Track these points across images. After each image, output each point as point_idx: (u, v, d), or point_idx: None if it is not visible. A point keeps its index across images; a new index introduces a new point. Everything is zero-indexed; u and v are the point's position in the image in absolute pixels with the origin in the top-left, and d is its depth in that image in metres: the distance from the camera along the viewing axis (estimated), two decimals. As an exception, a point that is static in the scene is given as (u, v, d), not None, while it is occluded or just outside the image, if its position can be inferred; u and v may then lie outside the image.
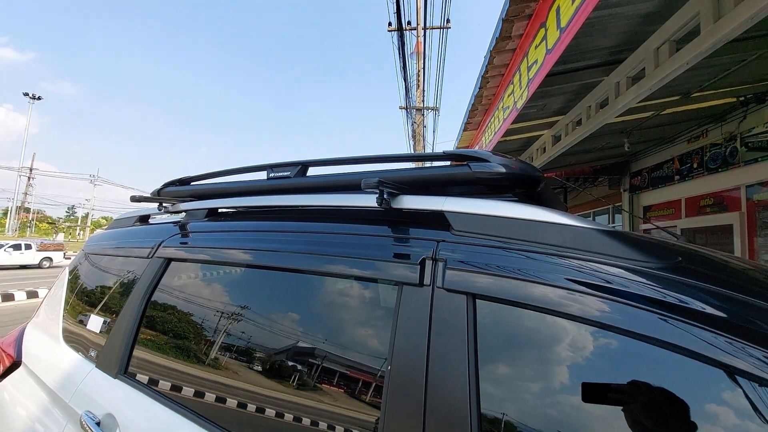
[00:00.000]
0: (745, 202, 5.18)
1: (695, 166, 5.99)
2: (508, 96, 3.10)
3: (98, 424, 1.09)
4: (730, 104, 4.84)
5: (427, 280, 0.80)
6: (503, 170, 0.94)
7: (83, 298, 1.61)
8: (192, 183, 1.65)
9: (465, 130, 4.92)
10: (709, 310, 0.60)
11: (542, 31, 2.27)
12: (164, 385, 1.13)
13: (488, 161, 0.96)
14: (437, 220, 0.91)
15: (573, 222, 0.79)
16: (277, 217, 1.29)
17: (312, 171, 1.40)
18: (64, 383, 1.31)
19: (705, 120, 5.46)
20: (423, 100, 15.29)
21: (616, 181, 8.01)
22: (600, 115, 3.41)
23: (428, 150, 15.86)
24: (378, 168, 1.16)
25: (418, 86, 15.76)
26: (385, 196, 0.93)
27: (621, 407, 0.60)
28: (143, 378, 1.18)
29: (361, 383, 0.85)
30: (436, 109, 15.04)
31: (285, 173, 1.36)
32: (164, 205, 1.62)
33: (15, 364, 1.51)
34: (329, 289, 1.01)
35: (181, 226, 1.45)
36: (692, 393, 0.57)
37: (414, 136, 15.78)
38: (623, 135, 5.57)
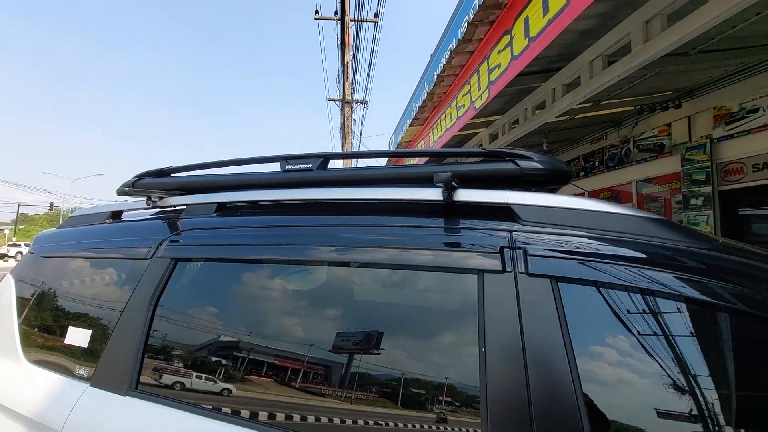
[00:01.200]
0: (636, 195, 6.16)
1: (597, 164, 6.93)
2: (464, 95, 3.32)
3: None
4: (628, 112, 5.70)
5: (509, 266, 0.88)
6: (547, 167, 1.06)
7: (49, 309, 1.38)
8: (172, 175, 1.52)
9: (411, 125, 5.10)
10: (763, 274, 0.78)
11: (507, 37, 2.49)
12: (190, 395, 1.05)
13: (532, 158, 1.07)
14: (503, 212, 1.00)
15: (627, 211, 0.94)
16: (310, 211, 1.26)
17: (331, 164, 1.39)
18: (46, 409, 1.13)
19: (606, 125, 6.35)
20: (352, 93, 15.27)
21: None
22: (536, 117, 3.82)
23: (355, 143, 15.89)
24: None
25: (347, 78, 15.67)
26: (450, 189, 0.99)
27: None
28: (161, 391, 1.08)
29: (448, 366, 0.91)
30: (365, 103, 15.14)
31: (306, 165, 1.33)
32: (153, 199, 1.45)
33: None
34: (386, 281, 1.04)
35: (188, 222, 1.32)
36: None
37: (343, 129, 15.70)
38: (542, 135, 6.23)
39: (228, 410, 0.99)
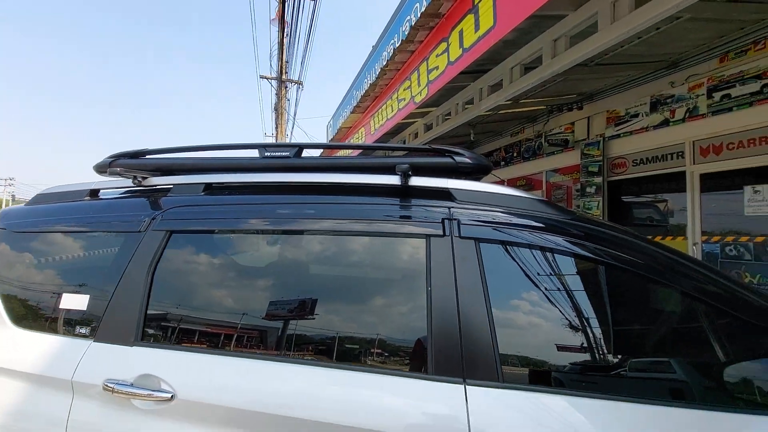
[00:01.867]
0: (545, 183, 7.08)
1: (515, 155, 7.79)
2: (405, 90, 3.68)
3: (131, 385, 1.20)
4: (541, 110, 6.51)
5: (447, 232, 1.25)
6: (474, 162, 1.45)
7: (35, 279, 1.49)
8: (147, 156, 1.67)
9: (353, 112, 5.36)
10: (611, 231, 1.25)
11: (444, 45, 2.87)
12: (189, 340, 1.30)
13: (464, 155, 1.46)
14: (444, 194, 1.36)
15: (524, 194, 1.36)
16: (289, 191, 1.52)
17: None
18: (50, 364, 1.29)
19: (524, 120, 7.15)
20: (286, 72, 14.88)
21: (459, 163, 9.66)
22: (466, 112, 4.32)
23: (289, 125, 15.61)
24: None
25: (280, 57, 15.23)
26: (407, 177, 1.33)
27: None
28: (163, 339, 1.31)
29: (406, 299, 1.27)
30: (300, 83, 14.87)
31: (284, 153, 1.59)
32: (138, 178, 1.59)
33: None
34: (355, 246, 1.37)
35: (178, 200, 1.50)
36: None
37: (277, 109, 15.29)
38: (470, 127, 6.86)
39: (219, 347, 1.26)
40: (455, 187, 1.36)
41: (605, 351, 1.19)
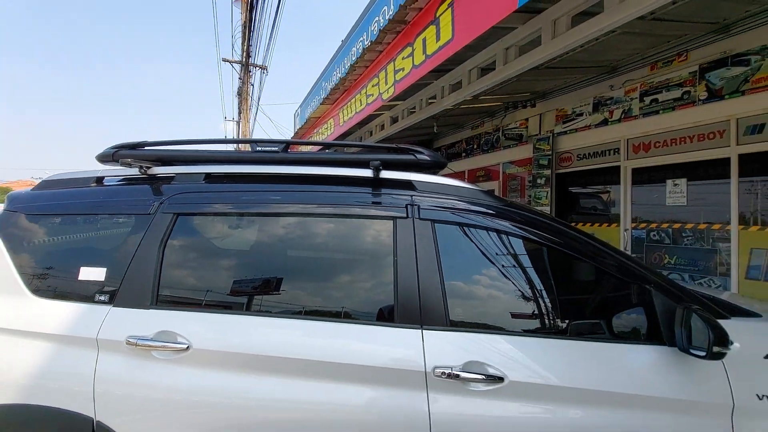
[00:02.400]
0: (501, 174, 7.62)
1: (475, 147, 8.27)
2: (373, 86, 3.95)
3: (151, 339, 1.46)
4: (499, 106, 6.98)
5: (409, 215, 1.58)
6: (431, 159, 1.79)
7: (51, 256, 1.68)
8: (147, 147, 1.88)
9: (323, 103, 5.58)
10: (532, 215, 1.63)
11: (409, 49, 3.17)
12: (198, 302, 1.57)
13: (423, 153, 1.79)
14: (407, 184, 1.68)
15: (469, 185, 1.71)
16: (279, 180, 1.78)
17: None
18: (77, 326, 1.51)
19: (483, 115, 7.62)
20: (250, 56, 14.60)
21: (423, 154, 10.07)
22: (429, 108, 4.67)
23: (253, 109, 15.40)
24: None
25: (243, 40, 14.92)
26: (378, 171, 1.64)
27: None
28: (174, 303, 1.57)
29: (378, 267, 1.59)
30: (264, 68, 14.65)
31: (273, 148, 1.86)
32: (144, 168, 1.78)
33: None
34: (336, 226, 1.67)
35: (181, 187, 1.71)
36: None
37: (240, 94, 15.00)
38: (434, 120, 7.24)
39: (225, 308, 1.54)
40: (416, 179, 1.69)
41: (524, 301, 1.58)
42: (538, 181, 6.56)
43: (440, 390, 1.34)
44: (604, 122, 5.62)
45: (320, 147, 4.90)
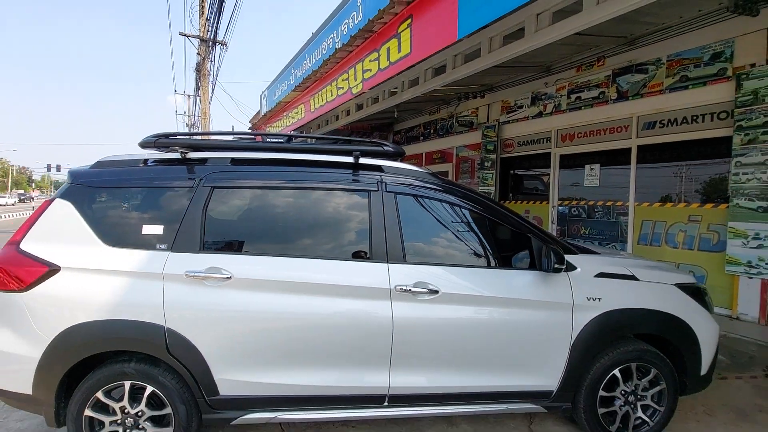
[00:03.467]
0: (455, 157, 8.49)
1: (432, 132, 9.07)
2: (343, 80, 4.54)
3: (203, 272, 2.09)
4: (453, 95, 7.77)
5: (380, 189, 2.30)
6: (395, 150, 2.51)
7: (119, 217, 2.17)
8: (176, 137, 2.45)
9: (294, 90, 6.09)
10: (463, 189, 2.41)
11: (375, 54, 3.80)
12: (233, 248, 2.22)
13: (389, 146, 2.50)
14: (377, 168, 2.39)
15: (420, 169, 2.45)
16: (284, 163, 2.41)
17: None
18: (147, 265, 2.02)
19: (439, 102, 8.39)
20: (209, 31, 14.39)
21: (384, 137, 10.74)
22: (390, 99, 5.35)
23: (211, 85, 15.27)
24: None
25: (202, 13, 14.67)
26: (357, 157, 2.34)
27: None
28: (218, 249, 2.20)
29: (356, 227, 2.31)
30: (224, 44, 14.48)
31: (280, 140, 2.50)
32: (183, 152, 2.31)
33: (51, 272, 1.99)
34: (328, 197, 2.36)
35: (214, 167, 2.23)
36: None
37: (200, 70, 14.80)
38: (395, 107, 7.91)
39: (252, 251, 2.20)
40: (384, 164, 2.41)
41: (454, 245, 2.38)
42: (486, 164, 7.48)
43: (399, 299, 2.11)
44: (539, 114, 6.57)
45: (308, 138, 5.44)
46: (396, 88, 5.21)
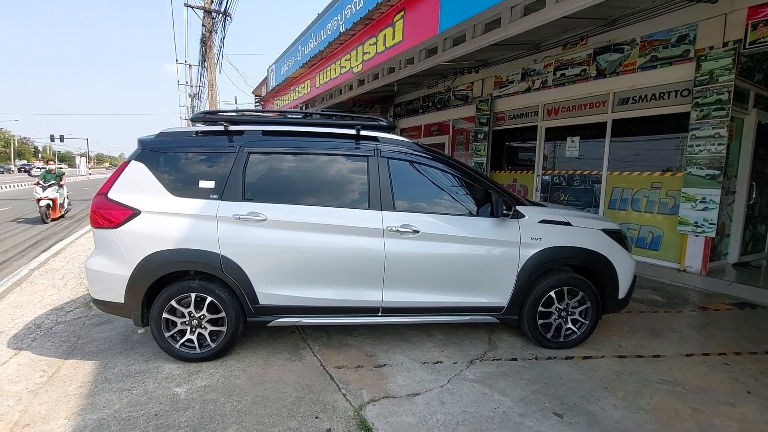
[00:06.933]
0: (451, 129, 9.05)
1: (430, 105, 9.58)
2: (346, 60, 5.08)
3: (246, 215, 2.80)
4: (450, 70, 8.25)
5: (376, 154, 2.96)
6: (388, 124, 3.15)
7: (180, 173, 2.75)
8: (220, 114, 3.11)
9: (302, 67, 6.63)
10: (443, 157, 3.07)
11: (374, 39, 4.34)
12: (266, 198, 2.91)
13: (383, 121, 3.14)
14: (374, 139, 3.04)
15: (406, 140, 3.10)
16: (304, 135, 3.07)
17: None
18: (204, 210, 2.64)
19: (437, 77, 8.86)
20: (212, 1, 14.59)
21: (385, 109, 11.25)
22: (389, 77, 5.90)
23: (217, 56, 15.57)
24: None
25: (209, -15, 14.78)
26: (359, 130, 2.99)
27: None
28: (255, 198, 2.88)
29: (358, 183, 2.99)
30: (228, 15, 14.70)
31: (298, 116, 3.15)
32: (224, 124, 2.98)
33: (134, 215, 2.67)
34: (336, 161, 3.03)
35: (250, 137, 2.86)
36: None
37: (205, 42, 15.09)
38: (394, 82, 8.42)
39: (281, 201, 2.89)
40: (379, 135, 3.06)
41: (433, 198, 3.05)
42: (479, 136, 8.06)
43: (390, 237, 2.82)
44: (528, 90, 7.09)
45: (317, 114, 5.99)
46: (394, 66, 5.76)
